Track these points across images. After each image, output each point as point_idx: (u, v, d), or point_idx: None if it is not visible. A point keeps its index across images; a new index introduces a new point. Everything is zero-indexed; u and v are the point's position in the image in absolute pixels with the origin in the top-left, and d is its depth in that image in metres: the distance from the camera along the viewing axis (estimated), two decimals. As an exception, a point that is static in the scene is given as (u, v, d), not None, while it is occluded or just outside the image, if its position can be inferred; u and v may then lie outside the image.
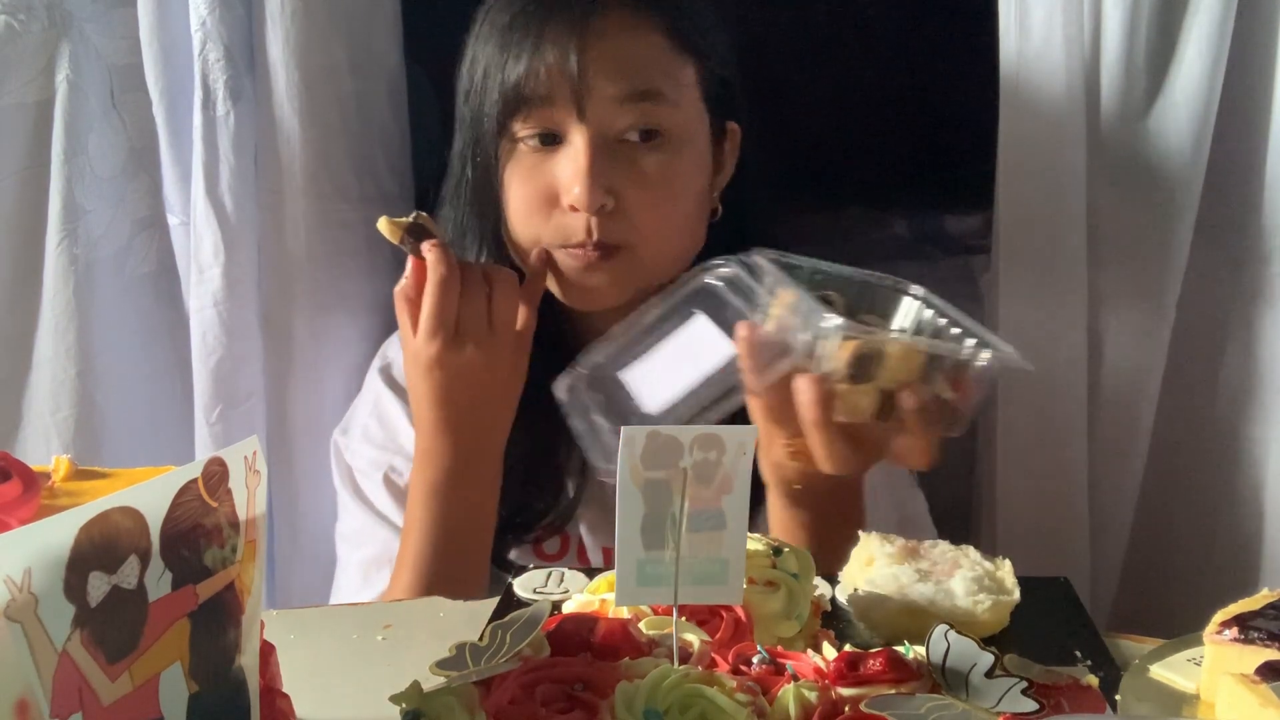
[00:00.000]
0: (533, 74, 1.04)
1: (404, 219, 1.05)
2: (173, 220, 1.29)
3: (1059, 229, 1.22)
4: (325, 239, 1.31)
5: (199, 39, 1.22)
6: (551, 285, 1.11)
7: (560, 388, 0.98)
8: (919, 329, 0.95)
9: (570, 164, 1.05)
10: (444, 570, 1.07)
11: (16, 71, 1.20)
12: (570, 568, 0.95)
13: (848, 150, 1.69)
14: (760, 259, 0.96)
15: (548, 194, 1.07)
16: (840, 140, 1.70)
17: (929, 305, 0.96)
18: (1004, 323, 1.25)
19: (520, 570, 0.95)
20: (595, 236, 1.06)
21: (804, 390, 0.89)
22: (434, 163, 1.41)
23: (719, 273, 0.98)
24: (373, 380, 1.25)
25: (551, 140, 1.07)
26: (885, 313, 0.99)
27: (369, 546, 1.18)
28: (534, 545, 1.19)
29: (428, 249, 1.04)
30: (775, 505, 1.02)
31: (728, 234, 1.13)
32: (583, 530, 1.18)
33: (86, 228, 1.25)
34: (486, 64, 1.07)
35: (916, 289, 0.98)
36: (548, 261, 1.08)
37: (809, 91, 1.73)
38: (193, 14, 1.22)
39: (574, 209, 1.05)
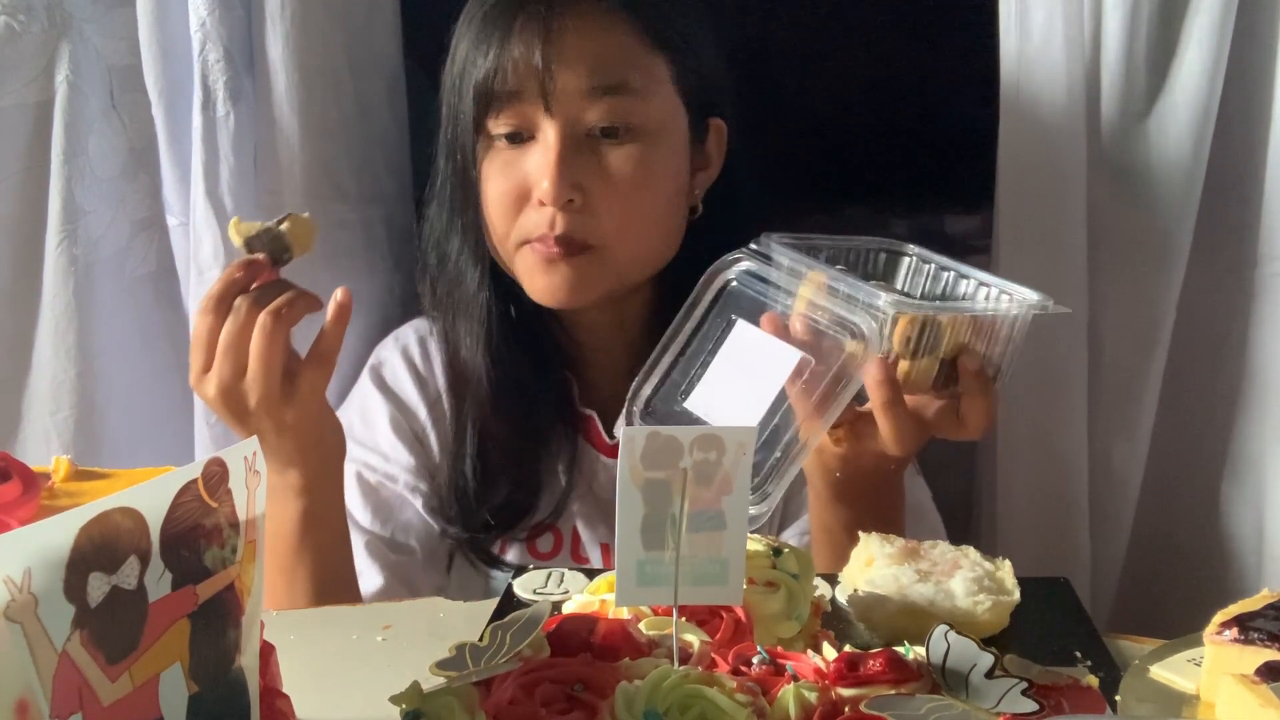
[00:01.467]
0: (501, 69, 1.05)
1: (258, 223, 0.98)
2: (172, 221, 1.29)
3: (1059, 229, 1.22)
4: (323, 239, 1.29)
5: (198, 40, 1.22)
6: (522, 281, 1.12)
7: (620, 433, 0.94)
8: (936, 287, 0.94)
9: (540, 158, 1.06)
10: (278, 577, 1.04)
11: (16, 72, 1.20)
12: (569, 567, 0.95)
13: (848, 151, 1.69)
14: (773, 243, 0.95)
15: (520, 190, 1.08)
16: (840, 141, 1.70)
17: (927, 261, 0.95)
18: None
19: (520, 571, 0.95)
20: (558, 230, 1.06)
21: (872, 372, 0.88)
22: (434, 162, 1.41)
23: (737, 269, 0.96)
24: (363, 379, 1.26)
25: (523, 139, 1.08)
26: (888, 275, 0.98)
27: None
28: (528, 544, 1.19)
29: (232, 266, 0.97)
30: (817, 504, 1.02)
31: (710, 231, 1.13)
32: (578, 524, 1.19)
33: (86, 229, 1.25)
34: (463, 60, 1.08)
35: (911, 246, 0.97)
36: (346, 306, 1.01)
37: (808, 92, 1.73)
38: (192, 15, 1.21)
39: (543, 204, 1.06)
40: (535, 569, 0.95)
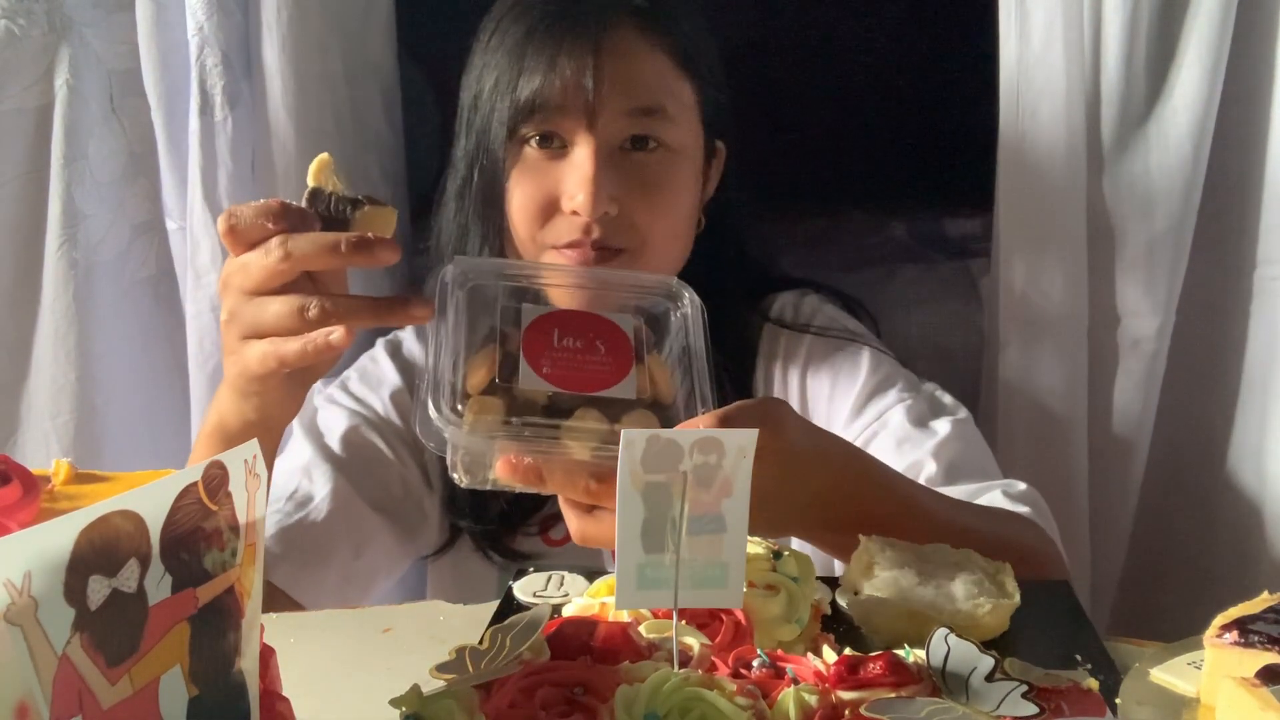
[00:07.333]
0: (548, 86, 1.06)
1: (342, 188, 0.92)
2: (171, 225, 1.29)
3: (1059, 231, 1.22)
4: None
5: (196, 44, 1.22)
6: (548, 291, 1.11)
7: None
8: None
9: (575, 172, 1.07)
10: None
11: (16, 76, 1.21)
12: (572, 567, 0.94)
13: (848, 154, 1.69)
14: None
15: (550, 198, 1.08)
16: (840, 144, 1.70)
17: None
18: (1003, 325, 1.25)
19: (521, 572, 0.95)
20: (594, 236, 1.07)
21: None
22: (428, 168, 1.41)
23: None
24: (378, 349, 1.26)
25: (553, 142, 1.08)
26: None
27: (291, 456, 1.16)
28: (541, 534, 1.20)
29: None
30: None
31: (710, 245, 1.18)
32: None
33: (86, 232, 1.26)
34: (498, 74, 1.09)
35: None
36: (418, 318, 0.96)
37: (809, 95, 1.73)
38: (190, 20, 1.22)
39: (576, 214, 1.07)
40: (536, 571, 0.95)
